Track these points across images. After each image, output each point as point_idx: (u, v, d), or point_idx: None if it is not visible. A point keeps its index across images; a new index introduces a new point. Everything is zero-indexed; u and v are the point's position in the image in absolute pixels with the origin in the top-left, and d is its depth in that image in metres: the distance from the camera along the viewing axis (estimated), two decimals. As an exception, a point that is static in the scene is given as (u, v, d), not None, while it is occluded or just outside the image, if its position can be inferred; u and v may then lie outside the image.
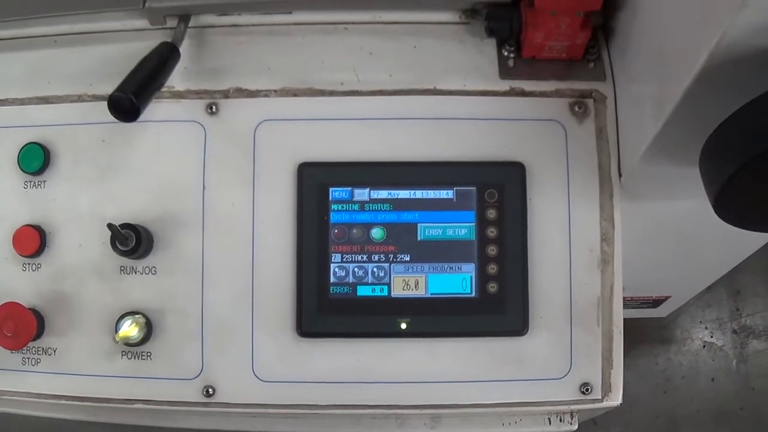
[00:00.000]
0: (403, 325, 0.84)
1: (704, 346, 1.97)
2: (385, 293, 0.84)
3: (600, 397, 0.85)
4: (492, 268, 0.84)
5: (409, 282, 0.84)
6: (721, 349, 1.97)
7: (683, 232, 1.08)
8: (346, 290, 0.84)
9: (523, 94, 0.87)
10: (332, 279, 0.84)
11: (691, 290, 1.55)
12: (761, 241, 1.15)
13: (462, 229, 0.84)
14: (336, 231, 0.84)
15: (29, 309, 0.84)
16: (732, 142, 0.63)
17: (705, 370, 1.96)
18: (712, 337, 1.98)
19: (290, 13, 0.89)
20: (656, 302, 1.59)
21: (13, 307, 0.82)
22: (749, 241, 1.14)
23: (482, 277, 0.84)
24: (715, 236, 1.07)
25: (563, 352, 0.84)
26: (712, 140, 0.66)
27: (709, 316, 1.99)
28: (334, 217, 0.84)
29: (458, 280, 0.84)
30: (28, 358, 0.86)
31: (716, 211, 0.67)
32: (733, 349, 1.97)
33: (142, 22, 0.89)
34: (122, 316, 0.84)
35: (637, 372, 1.90)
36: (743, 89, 0.61)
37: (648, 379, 1.94)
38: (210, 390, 0.84)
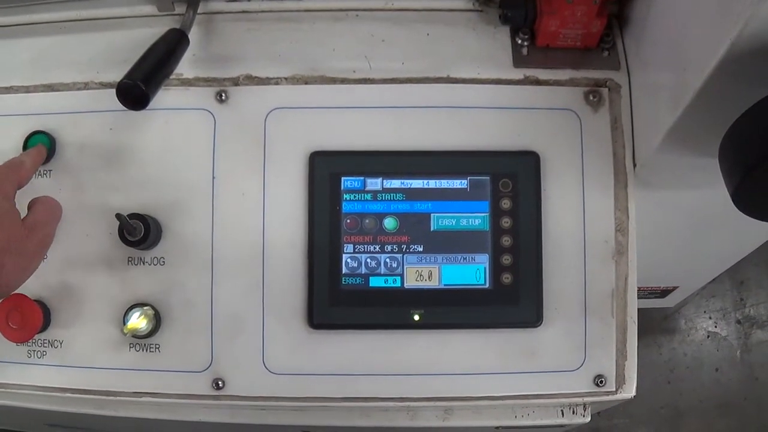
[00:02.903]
0: (416, 317, 0.83)
1: (708, 337, 1.97)
2: (398, 284, 0.83)
3: (614, 389, 0.84)
4: (506, 259, 0.83)
5: (422, 273, 0.83)
6: (725, 340, 1.97)
7: (694, 222, 1.07)
8: (358, 281, 0.83)
9: (537, 82, 0.86)
10: (344, 270, 0.83)
11: (699, 280, 1.54)
12: (772, 232, 1.15)
13: (476, 219, 0.83)
14: (348, 221, 0.83)
15: (35, 301, 0.83)
16: (754, 133, 0.62)
17: (709, 360, 1.96)
18: (716, 327, 1.98)
19: (301, -1, 0.88)
20: (664, 292, 1.58)
21: (18, 299, 0.81)
22: (760, 230, 1.13)
23: (496, 268, 0.83)
24: (726, 226, 1.07)
25: (577, 343, 0.84)
26: (732, 131, 0.65)
27: (713, 307, 1.99)
28: (346, 207, 0.83)
29: (472, 271, 0.83)
30: (34, 351, 0.85)
31: (735, 203, 0.66)
32: (737, 340, 1.97)
33: (150, 8, 0.88)
34: (130, 308, 0.83)
35: (641, 363, 1.86)
36: (764, 80, 0.60)
37: (652, 370, 1.93)
38: (219, 383, 0.83)
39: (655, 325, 1.96)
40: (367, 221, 0.83)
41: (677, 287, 1.55)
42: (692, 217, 1.05)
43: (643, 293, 1.57)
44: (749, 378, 1.94)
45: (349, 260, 0.83)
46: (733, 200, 0.66)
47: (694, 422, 1.91)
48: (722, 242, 1.20)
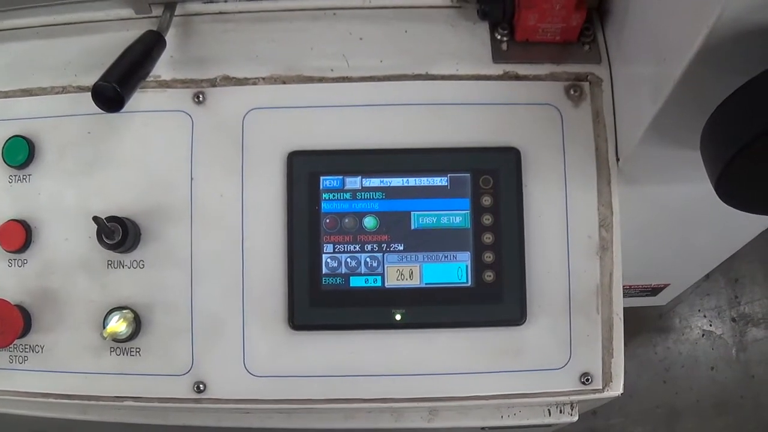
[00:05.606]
0: (398, 316, 0.82)
1: (703, 335, 1.96)
2: (379, 284, 0.82)
3: (601, 387, 0.83)
4: (488, 257, 0.82)
5: (403, 272, 0.82)
6: (720, 338, 1.96)
7: (681, 218, 1.07)
8: (338, 281, 0.82)
9: (517, 77, 0.85)
10: (324, 270, 0.82)
11: (690, 277, 1.54)
12: (761, 227, 1.14)
13: (456, 216, 0.82)
14: (327, 221, 0.82)
15: (15, 305, 0.82)
16: (733, 121, 0.62)
17: (704, 358, 1.95)
18: (711, 325, 1.97)
19: (278, -2, 0.87)
20: (655, 290, 1.58)
21: (-2, 304, 0.80)
22: (748, 226, 1.13)
23: (478, 266, 0.82)
24: (714, 221, 1.06)
25: (562, 341, 0.83)
26: (712, 121, 0.64)
27: (707, 305, 1.98)
28: (325, 207, 0.82)
29: (453, 269, 0.82)
30: (15, 356, 0.84)
31: (718, 193, 0.66)
32: (732, 338, 1.96)
33: (127, 12, 0.87)
34: (110, 312, 0.82)
35: (637, 362, 1.90)
36: (743, 68, 0.60)
37: (647, 369, 1.93)
38: (201, 386, 0.82)
39: (650, 324, 1.95)
40: (346, 220, 0.82)
41: (668, 284, 1.54)
42: (679, 213, 1.04)
43: (634, 291, 1.56)
44: (745, 376, 1.93)
45: (329, 260, 0.82)
46: (716, 191, 0.66)
47: (691, 421, 1.91)
48: (711, 238, 1.19)
